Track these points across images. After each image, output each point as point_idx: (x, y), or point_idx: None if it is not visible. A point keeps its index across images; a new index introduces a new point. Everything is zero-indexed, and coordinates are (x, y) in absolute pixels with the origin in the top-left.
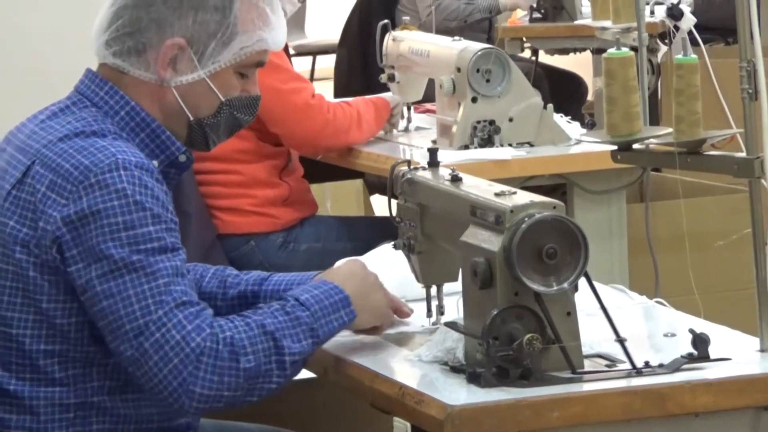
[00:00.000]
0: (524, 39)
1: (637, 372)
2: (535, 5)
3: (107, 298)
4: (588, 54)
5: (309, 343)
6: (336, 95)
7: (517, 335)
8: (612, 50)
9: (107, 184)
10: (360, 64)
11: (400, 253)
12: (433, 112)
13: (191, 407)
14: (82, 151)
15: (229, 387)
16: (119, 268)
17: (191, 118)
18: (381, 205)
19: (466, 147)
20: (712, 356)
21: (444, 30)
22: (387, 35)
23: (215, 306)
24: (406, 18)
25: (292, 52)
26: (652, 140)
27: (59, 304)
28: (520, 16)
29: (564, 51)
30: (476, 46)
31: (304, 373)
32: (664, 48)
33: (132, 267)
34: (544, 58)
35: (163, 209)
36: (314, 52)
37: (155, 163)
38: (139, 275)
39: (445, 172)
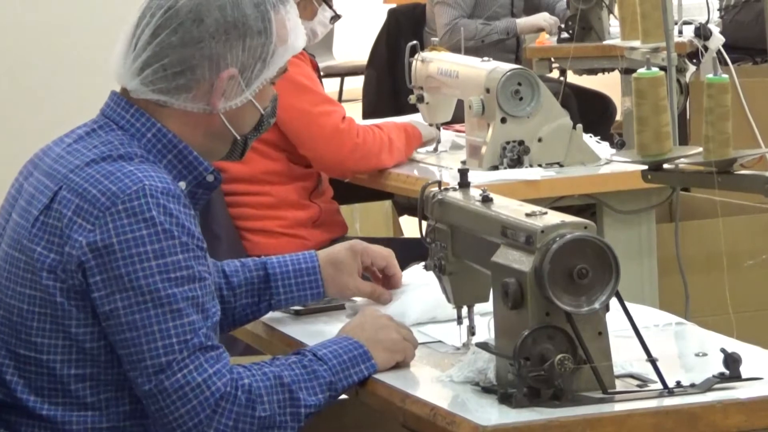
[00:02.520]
0: (552, 59)
1: (668, 392)
2: (561, 26)
3: (131, 330)
4: (616, 74)
5: (326, 396)
6: (365, 116)
7: (549, 355)
8: (642, 70)
9: (135, 212)
10: (388, 85)
11: (430, 274)
12: (461, 131)
13: None
14: (109, 177)
15: None
16: (146, 301)
17: (237, 137)
18: (410, 226)
19: (496, 168)
20: (743, 375)
21: (464, 50)
22: (415, 56)
23: (221, 297)
24: (435, 39)
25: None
26: (682, 160)
27: (88, 328)
28: (548, 36)
29: (592, 71)
30: (505, 67)
31: None
32: (692, 67)
33: (159, 301)
34: (572, 78)
35: (190, 237)
36: (342, 73)
37: (182, 184)
38: (164, 311)
39: (475, 193)
